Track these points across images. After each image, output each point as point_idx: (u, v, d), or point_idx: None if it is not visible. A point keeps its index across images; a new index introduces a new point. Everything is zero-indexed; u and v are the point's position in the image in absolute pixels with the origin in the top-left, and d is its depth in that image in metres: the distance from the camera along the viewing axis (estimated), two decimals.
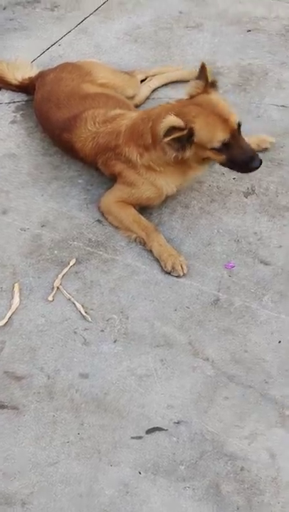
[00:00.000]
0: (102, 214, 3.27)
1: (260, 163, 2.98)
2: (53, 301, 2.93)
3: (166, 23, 4.54)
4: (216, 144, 2.92)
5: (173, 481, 2.36)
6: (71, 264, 3.07)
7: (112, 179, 3.30)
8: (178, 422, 2.52)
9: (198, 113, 2.93)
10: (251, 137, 3.34)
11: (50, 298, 2.94)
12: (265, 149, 3.51)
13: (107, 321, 2.86)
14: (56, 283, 2.99)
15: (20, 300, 2.93)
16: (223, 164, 3.04)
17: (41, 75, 3.74)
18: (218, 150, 2.94)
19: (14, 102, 3.95)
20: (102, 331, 2.82)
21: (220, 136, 2.91)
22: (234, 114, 2.94)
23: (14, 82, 3.90)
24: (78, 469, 2.40)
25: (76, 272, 3.05)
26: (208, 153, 2.97)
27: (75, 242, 3.18)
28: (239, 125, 2.95)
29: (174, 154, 2.94)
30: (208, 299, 2.92)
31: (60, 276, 3.02)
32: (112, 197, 3.24)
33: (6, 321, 2.84)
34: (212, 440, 2.47)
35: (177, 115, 2.89)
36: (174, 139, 2.89)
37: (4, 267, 3.06)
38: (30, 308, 2.90)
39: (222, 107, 2.96)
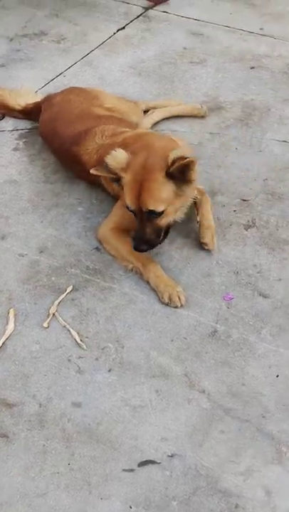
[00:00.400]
0: (100, 242, 3.25)
1: (137, 249, 2.95)
2: (48, 327, 2.89)
3: (170, 58, 4.61)
4: (125, 204, 2.96)
5: None
6: (68, 291, 3.04)
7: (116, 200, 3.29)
8: (171, 456, 2.45)
9: (133, 172, 2.88)
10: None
11: (45, 324, 2.89)
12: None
13: (103, 349, 2.81)
14: (52, 310, 2.95)
15: (15, 326, 2.88)
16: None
17: (48, 98, 3.79)
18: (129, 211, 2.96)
19: (17, 130, 3.98)
20: (97, 359, 2.77)
21: (128, 202, 2.92)
22: (149, 203, 2.86)
23: (17, 107, 3.94)
24: (67, 501, 2.32)
25: (73, 299, 3.01)
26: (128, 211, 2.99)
27: (73, 270, 3.15)
28: (149, 213, 2.89)
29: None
30: (206, 331, 2.88)
31: (56, 302, 2.98)
32: (108, 224, 3.23)
33: None
34: (206, 475, 2.39)
35: (128, 155, 2.90)
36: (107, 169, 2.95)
37: (0, 292, 3.03)
38: (24, 335, 2.86)
39: (152, 187, 2.86)
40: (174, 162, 2.83)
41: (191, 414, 2.57)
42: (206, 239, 3.17)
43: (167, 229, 3.04)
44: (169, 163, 2.84)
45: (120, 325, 2.91)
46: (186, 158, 2.82)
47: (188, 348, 2.81)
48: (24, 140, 3.91)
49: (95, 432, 2.52)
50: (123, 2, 5.32)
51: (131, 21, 5.04)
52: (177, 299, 2.96)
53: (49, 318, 2.92)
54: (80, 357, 2.77)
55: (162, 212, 2.90)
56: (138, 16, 5.12)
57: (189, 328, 2.89)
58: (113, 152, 2.94)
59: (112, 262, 3.18)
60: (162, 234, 3.01)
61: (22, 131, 3.96)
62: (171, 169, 2.83)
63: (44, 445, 2.47)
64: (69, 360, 2.76)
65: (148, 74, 4.43)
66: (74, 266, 3.17)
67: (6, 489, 2.34)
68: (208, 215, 3.25)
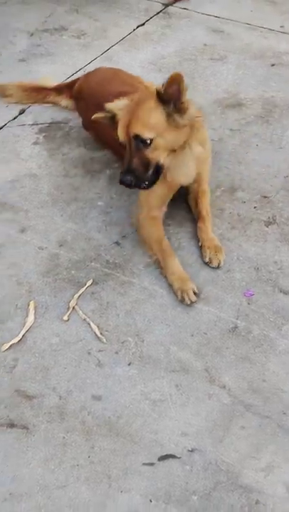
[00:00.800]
0: (136, 230, 3.25)
1: (122, 182, 2.88)
2: (68, 320, 2.88)
3: (190, 55, 4.59)
4: (118, 139, 2.95)
5: None
6: (88, 284, 3.03)
7: None
8: (192, 450, 2.44)
9: (126, 106, 2.92)
10: None
11: (65, 317, 2.89)
12: None
13: (122, 343, 2.80)
14: (72, 303, 2.95)
15: (35, 318, 2.88)
16: None
17: (87, 73, 3.85)
18: (123, 146, 2.94)
19: (37, 124, 3.98)
20: (117, 353, 2.76)
21: (118, 133, 2.92)
22: (136, 128, 2.82)
23: (50, 86, 4.00)
24: (87, 494, 2.31)
25: (92, 293, 3.00)
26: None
27: (93, 263, 3.14)
28: (136, 140, 2.84)
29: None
30: (226, 326, 2.86)
31: (76, 296, 2.97)
32: (142, 212, 3.22)
33: (19, 339, 2.78)
34: (227, 471, 2.38)
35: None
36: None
37: (20, 284, 3.03)
38: (44, 327, 2.85)
39: (141, 113, 2.83)
40: (163, 85, 2.79)
41: (212, 410, 2.56)
42: (207, 258, 3.12)
43: (156, 170, 2.92)
44: (160, 87, 2.80)
45: (140, 319, 2.90)
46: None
47: (209, 343, 2.80)
48: (44, 134, 3.90)
49: (115, 425, 2.51)
50: None
51: (151, 17, 5.03)
52: (187, 297, 2.94)
53: (69, 312, 2.91)
54: (100, 350, 2.77)
55: (150, 141, 2.82)
56: (158, 13, 5.10)
57: (209, 323, 2.88)
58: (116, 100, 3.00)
59: (132, 257, 3.17)
60: (150, 171, 2.89)
61: (42, 126, 3.96)
62: (162, 89, 2.77)
63: (64, 437, 2.47)
64: (89, 353, 2.75)
65: (168, 70, 4.40)
66: (94, 260, 3.16)
67: (26, 480, 2.34)
68: (206, 230, 3.19)
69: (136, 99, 2.93)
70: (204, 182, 3.33)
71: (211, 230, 3.22)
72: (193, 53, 4.61)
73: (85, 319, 2.88)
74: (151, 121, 2.82)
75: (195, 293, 2.96)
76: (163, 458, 2.41)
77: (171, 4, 5.18)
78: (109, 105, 3.00)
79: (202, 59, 4.55)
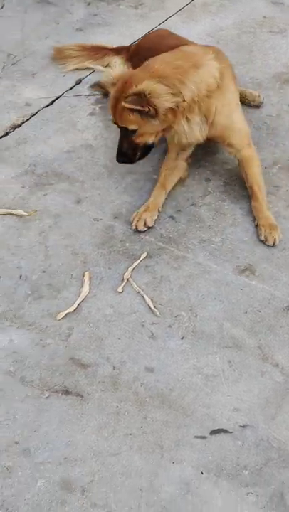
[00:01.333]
0: None
1: (117, 160, 3.12)
2: (122, 292, 2.91)
3: (249, 27, 4.50)
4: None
5: (236, 485, 2.30)
6: (142, 257, 3.05)
7: None
8: (244, 426, 2.46)
9: (118, 81, 2.99)
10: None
11: (119, 289, 2.92)
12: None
13: (176, 317, 2.82)
14: (126, 275, 2.97)
15: (90, 289, 2.92)
16: None
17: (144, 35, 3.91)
18: None
19: (94, 95, 3.97)
20: (170, 326, 2.78)
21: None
22: (122, 117, 2.94)
23: (110, 47, 4.02)
24: (140, 463, 2.36)
25: (146, 266, 3.02)
26: None
27: (147, 237, 3.15)
28: (126, 129, 2.99)
29: None
30: (281, 305, 2.85)
31: (130, 268, 2.99)
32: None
33: (74, 308, 2.83)
34: (278, 448, 2.39)
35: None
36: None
37: (76, 255, 3.06)
38: (99, 298, 2.89)
39: (121, 109, 2.92)
40: (128, 96, 2.86)
41: (264, 387, 2.57)
42: (263, 236, 3.11)
43: (146, 149, 3.09)
44: (125, 97, 2.87)
45: (194, 294, 2.91)
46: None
47: (262, 321, 2.80)
48: (100, 105, 3.89)
49: (168, 397, 2.54)
50: None
51: None
52: (135, 223, 3.15)
53: (123, 284, 2.94)
54: (154, 323, 2.79)
55: (134, 131, 2.97)
56: None
57: (263, 301, 2.87)
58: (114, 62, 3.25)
59: (187, 232, 3.17)
60: (139, 152, 3.07)
61: (98, 97, 3.95)
62: (126, 105, 2.86)
63: (117, 407, 2.51)
64: (142, 326, 2.78)
65: (226, 43, 4.33)
66: (148, 233, 3.17)
67: (81, 446, 2.40)
68: (261, 208, 3.17)
69: (125, 78, 2.96)
70: (233, 137, 3.25)
71: (265, 207, 3.19)
72: (252, 26, 4.51)
73: (139, 292, 2.91)
74: (130, 118, 2.94)
75: (147, 226, 3.14)
76: (215, 432, 2.44)
77: None
78: (106, 75, 3.10)
79: (261, 32, 4.45)
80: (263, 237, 3.09)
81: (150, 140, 3.04)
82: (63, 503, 2.24)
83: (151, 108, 2.87)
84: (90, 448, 2.39)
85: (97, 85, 3.10)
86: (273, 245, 3.07)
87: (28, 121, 3.78)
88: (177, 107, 2.93)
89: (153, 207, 3.21)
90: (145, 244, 3.12)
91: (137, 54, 3.66)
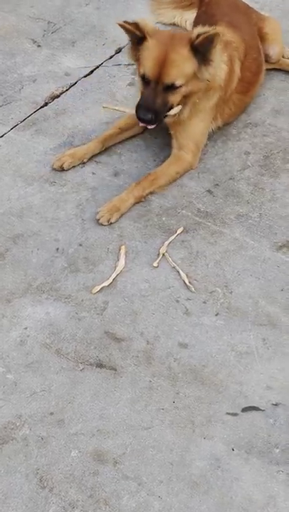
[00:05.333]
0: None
1: (141, 119, 3.00)
2: (158, 267, 2.91)
3: None
4: (141, 72, 3.00)
5: (266, 463, 2.31)
6: (178, 232, 3.04)
7: None
8: (276, 404, 2.46)
9: (160, 41, 2.96)
10: None
11: (155, 264, 2.92)
12: None
13: (211, 293, 2.82)
14: (162, 250, 2.97)
15: (126, 263, 2.93)
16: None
17: None
18: (141, 78, 3.02)
19: (132, 65, 3.91)
20: (205, 302, 2.78)
21: (146, 69, 2.96)
22: (172, 74, 2.92)
23: None
24: (171, 437, 2.39)
25: (182, 241, 3.01)
26: (138, 78, 3.08)
27: (184, 211, 3.14)
28: (168, 85, 2.94)
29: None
30: None
31: (166, 243, 2.99)
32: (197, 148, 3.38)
33: (110, 282, 2.85)
34: None
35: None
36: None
37: (112, 228, 3.07)
38: (134, 272, 2.90)
39: (176, 59, 2.92)
40: (198, 35, 2.91)
41: None
42: (98, 214, 3.09)
43: (168, 109, 3.05)
44: (194, 37, 2.92)
45: (229, 270, 2.89)
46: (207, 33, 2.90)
47: None
48: None
49: (200, 373, 2.56)
50: None
51: None
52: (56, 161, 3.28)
53: (159, 258, 2.94)
54: (188, 299, 2.80)
55: (180, 87, 2.96)
56: None
57: None
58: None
59: (224, 206, 3.14)
60: (166, 112, 3.04)
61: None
62: (196, 41, 2.90)
63: (150, 381, 2.54)
64: (177, 301, 2.79)
65: (270, 8, 4.21)
66: (185, 207, 3.15)
67: (113, 419, 2.44)
68: (129, 189, 3.14)
69: (170, 34, 3.05)
70: (183, 138, 3.25)
71: (130, 195, 3.12)
72: None
73: (174, 267, 2.91)
74: (186, 71, 2.94)
75: (62, 168, 3.26)
76: (247, 409, 2.45)
77: None
78: (143, 22, 3.01)
79: None
80: (98, 216, 3.07)
81: (178, 101, 3.02)
82: (96, 473, 2.30)
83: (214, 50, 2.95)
84: (122, 421, 2.44)
85: (132, 24, 3.00)
86: (108, 224, 3.05)
87: (67, 92, 3.77)
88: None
89: (79, 154, 3.30)
90: (182, 219, 3.11)
91: (205, 12, 3.65)
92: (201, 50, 2.94)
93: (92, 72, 3.89)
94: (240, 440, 2.37)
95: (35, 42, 4.11)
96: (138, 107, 3.00)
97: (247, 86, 3.41)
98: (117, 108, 3.31)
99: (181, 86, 2.96)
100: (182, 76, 2.94)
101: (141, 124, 3.07)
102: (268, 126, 3.51)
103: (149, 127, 3.06)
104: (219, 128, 3.42)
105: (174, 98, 3.01)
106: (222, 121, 3.40)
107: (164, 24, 4.11)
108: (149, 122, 3.01)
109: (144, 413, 2.46)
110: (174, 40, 2.96)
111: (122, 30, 3.07)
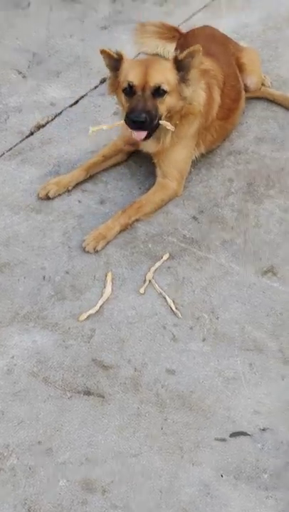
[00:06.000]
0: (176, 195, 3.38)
1: (134, 119, 2.96)
2: (144, 294, 2.93)
3: (275, 23, 4.46)
4: (125, 84, 3.03)
5: (255, 488, 2.32)
6: (164, 258, 3.07)
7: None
8: (264, 429, 2.47)
9: (139, 60, 3.15)
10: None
11: (141, 290, 2.94)
12: None
13: (197, 319, 2.84)
14: (148, 276, 2.99)
15: (113, 290, 2.95)
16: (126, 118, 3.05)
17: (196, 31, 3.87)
18: (125, 93, 3.05)
19: None
20: (192, 328, 2.80)
21: (131, 77, 3.00)
22: (158, 78, 2.99)
23: (181, 30, 4.12)
24: (159, 464, 2.39)
25: (168, 267, 3.04)
26: (120, 96, 3.11)
27: (170, 238, 3.17)
28: (155, 89, 2.99)
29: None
30: None
31: (152, 269, 3.02)
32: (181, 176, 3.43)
33: (97, 309, 2.86)
34: None
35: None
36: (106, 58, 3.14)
37: (98, 255, 3.09)
38: (121, 299, 2.92)
39: (160, 68, 3.03)
40: (181, 53, 3.05)
41: (285, 390, 2.58)
42: (84, 242, 3.11)
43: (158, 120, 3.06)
44: (177, 53, 3.08)
45: (215, 296, 2.92)
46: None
47: (284, 324, 2.80)
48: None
49: (188, 399, 2.57)
50: None
51: None
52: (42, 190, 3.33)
53: (145, 285, 2.96)
54: (175, 325, 2.82)
55: (166, 92, 3.00)
56: None
57: (285, 304, 2.87)
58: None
59: (209, 233, 3.18)
60: (155, 121, 3.03)
61: None
62: (179, 56, 3.03)
63: (138, 408, 2.55)
64: (164, 328, 2.81)
65: (251, 39, 4.30)
66: (171, 234, 3.18)
67: (102, 446, 2.44)
68: (115, 217, 3.16)
69: (150, 58, 3.22)
70: (166, 166, 3.30)
71: (116, 222, 3.15)
72: (278, 22, 4.46)
73: (160, 293, 2.93)
74: (169, 78, 3.03)
75: (47, 196, 3.31)
76: (235, 434, 2.46)
77: None
78: (119, 50, 3.12)
79: (288, 28, 4.40)
80: (84, 244, 3.09)
81: (169, 109, 3.06)
82: (84, 503, 2.28)
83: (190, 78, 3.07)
84: (110, 448, 2.43)
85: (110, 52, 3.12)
86: (94, 251, 3.08)
87: (52, 121, 3.81)
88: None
89: (64, 182, 3.34)
90: (168, 245, 3.14)
91: (183, 44, 3.70)
92: (182, 68, 3.04)
93: (77, 102, 3.94)
94: (228, 465, 2.38)
95: (20, 73, 4.16)
96: (129, 113, 2.99)
97: (227, 112, 3.48)
98: (105, 127, 3.32)
99: (167, 92, 3.01)
100: (167, 82, 3.01)
101: (134, 135, 3.05)
102: (251, 153, 3.57)
103: (142, 137, 3.04)
104: (203, 155, 3.48)
105: (163, 106, 3.03)
106: (205, 148, 3.45)
107: (147, 54, 4.18)
108: (143, 123, 2.97)
109: (132, 440, 2.45)
110: (154, 59, 3.15)
111: None
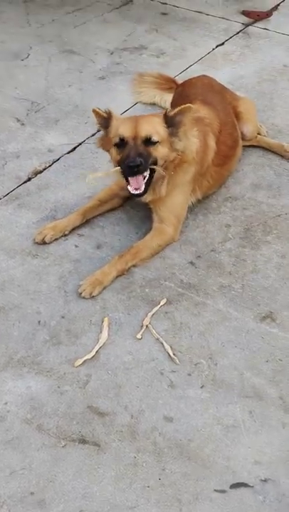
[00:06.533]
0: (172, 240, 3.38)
1: (130, 164, 2.98)
2: (141, 339, 2.88)
3: (269, 75, 4.56)
4: (116, 139, 3.07)
5: None
6: (161, 303, 3.03)
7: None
8: (265, 480, 2.38)
9: (129, 117, 3.19)
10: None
11: (138, 336, 2.89)
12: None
13: (195, 365, 2.78)
14: (145, 321, 2.95)
15: (109, 335, 2.89)
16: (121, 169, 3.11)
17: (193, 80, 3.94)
18: (117, 147, 3.08)
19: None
20: (190, 374, 2.74)
21: (122, 131, 3.05)
22: (148, 129, 3.04)
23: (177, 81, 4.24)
24: None
25: (166, 312, 3.00)
26: (112, 151, 3.15)
27: (167, 282, 3.14)
28: (146, 139, 3.04)
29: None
30: None
31: (149, 314, 2.97)
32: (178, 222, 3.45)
33: (93, 355, 2.80)
34: None
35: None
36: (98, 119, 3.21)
37: (95, 300, 3.05)
38: (117, 344, 2.86)
39: (150, 121, 3.10)
40: (172, 110, 3.12)
41: (286, 439, 2.50)
42: (81, 288, 3.07)
43: (150, 175, 3.11)
44: (168, 110, 3.14)
45: (214, 341, 2.87)
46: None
47: (284, 370, 2.74)
48: None
49: (186, 448, 2.48)
50: (223, 18, 5.33)
51: (230, 37, 5.04)
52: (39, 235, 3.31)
53: (142, 330, 2.91)
54: (173, 371, 2.75)
55: (157, 142, 3.04)
56: (238, 33, 5.10)
57: (285, 350, 2.82)
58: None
59: (207, 278, 3.15)
60: (149, 166, 3.06)
61: None
62: (170, 113, 3.09)
63: (135, 457, 2.46)
64: (161, 374, 2.74)
65: (246, 90, 4.39)
66: (168, 279, 3.15)
67: (97, 498, 2.34)
68: (112, 263, 3.14)
69: (140, 115, 3.25)
70: (163, 211, 3.32)
71: (113, 268, 3.13)
72: (272, 74, 4.58)
73: (158, 339, 2.88)
74: (159, 130, 3.08)
75: (44, 241, 3.31)
76: (235, 486, 2.37)
77: (251, 24, 5.17)
78: (108, 109, 3.18)
79: (282, 80, 4.51)
80: (80, 290, 3.06)
81: (163, 157, 3.09)
82: None
83: (180, 133, 3.12)
84: (106, 500, 2.33)
85: (100, 110, 3.19)
86: (90, 297, 3.04)
87: (50, 167, 3.84)
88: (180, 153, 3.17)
89: (60, 227, 3.34)
90: (165, 290, 3.10)
91: (180, 93, 3.82)
92: (172, 125, 3.08)
93: (74, 148, 3.98)
94: None
95: (19, 120, 4.22)
96: (124, 161, 3.01)
97: (224, 159, 3.51)
98: (103, 173, 3.33)
99: (158, 142, 3.05)
100: (157, 134, 3.05)
101: (130, 189, 3.07)
102: (247, 199, 3.58)
103: (139, 191, 3.07)
104: (199, 201, 3.49)
105: (156, 152, 3.06)
106: (201, 194, 3.47)
107: (144, 104, 4.25)
108: (139, 167, 2.99)
109: (128, 491, 2.36)
110: (142, 116, 3.18)
111: None
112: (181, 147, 3.15)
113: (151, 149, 3.06)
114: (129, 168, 3.01)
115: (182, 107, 3.09)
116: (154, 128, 3.07)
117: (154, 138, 3.05)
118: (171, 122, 3.10)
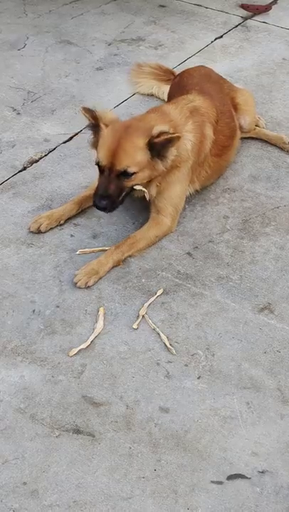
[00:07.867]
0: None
1: (97, 206, 3.00)
2: (138, 329, 2.83)
3: (268, 69, 4.53)
4: (96, 160, 3.03)
5: None
6: (158, 294, 2.98)
7: None
8: (262, 472, 2.34)
9: (115, 129, 3.01)
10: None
11: (134, 326, 2.84)
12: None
13: (192, 355, 2.73)
14: (142, 311, 2.90)
15: (104, 325, 2.85)
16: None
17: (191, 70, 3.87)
18: (98, 168, 3.03)
19: None
20: (186, 365, 2.69)
21: (100, 156, 2.99)
22: (125, 161, 2.93)
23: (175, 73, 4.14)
24: (152, 508, 2.24)
25: (162, 303, 2.95)
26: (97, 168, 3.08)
27: (164, 273, 3.09)
28: (122, 171, 2.95)
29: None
30: None
31: (146, 304, 2.93)
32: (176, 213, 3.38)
33: (88, 344, 2.75)
34: None
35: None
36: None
37: (90, 290, 3.00)
38: (113, 334, 2.81)
39: (129, 148, 2.95)
40: (159, 134, 2.95)
41: (284, 431, 2.46)
42: (76, 277, 3.02)
43: (127, 193, 3.07)
44: (154, 134, 2.95)
45: (211, 332, 2.82)
46: (169, 135, 2.96)
47: (282, 361, 2.70)
48: None
49: (183, 439, 2.44)
50: (222, 11, 5.29)
51: (229, 30, 5.00)
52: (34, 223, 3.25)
53: (138, 320, 2.87)
54: (169, 361, 2.71)
55: (133, 174, 2.96)
56: (236, 26, 5.07)
57: (283, 341, 2.78)
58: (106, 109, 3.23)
59: (204, 269, 3.11)
60: (122, 196, 3.04)
61: None
62: (156, 140, 2.95)
63: (130, 448, 2.41)
64: (158, 364, 2.69)
65: (245, 83, 4.35)
66: (165, 269, 3.11)
67: (91, 488, 2.29)
68: (108, 253, 3.10)
69: (125, 125, 3.04)
70: (161, 202, 3.26)
71: (109, 258, 3.09)
72: (271, 67, 4.54)
73: (154, 329, 2.83)
74: (138, 159, 2.96)
75: (39, 230, 3.25)
76: (232, 477, 2.32)
77: (250, 18, 5.14)
78: (100, 111, 3.09)
79: (281, 73, 4.47)
80: (75, 280, 3.00)
81: (137, 185, 3.04)
82: None
83: (167, 157, 3.02)
84: (100, 491, 2.28)
85: (90, 111, 3.07)
86: (86, 287, 2.99)
87: (46, 157, 3.79)
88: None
89: (56, 216, 3.29)
90: (162, 281, 3.05)
91: (178, 83, 3.75)
92: (157, 148, 2.96)
93: (71, 138, 3.93)
94: (225, 511, 2.23)
95: (14, 110, 4.16)
96: (94, 195, 3.00)
97: (222, 149, 3.46)
98: (93, 250, 3.20)
99: (134, 173, 2.96)
100: (134, 164, 2.95)
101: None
102: (246, 191, 3.54)
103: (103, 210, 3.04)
104: (197, 192, 3.45)
105: (129, 184, 3.01)
106: (199, 184, 3.42)
107: (142, 94, 4.21)
108: (104, 209, 3.01)
109: (123, 482, 2.31)
110: (129, 129, 2.99)
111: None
112: (162, 169, 3.05)
113: (125, 182, 2.99)
114: (96, 206, 3.02)
115: (171, 136, 2.95)
116: (133, 158, 2.95)
117: (131, 170, 2.95)
118: (156, 147, 2.96)
